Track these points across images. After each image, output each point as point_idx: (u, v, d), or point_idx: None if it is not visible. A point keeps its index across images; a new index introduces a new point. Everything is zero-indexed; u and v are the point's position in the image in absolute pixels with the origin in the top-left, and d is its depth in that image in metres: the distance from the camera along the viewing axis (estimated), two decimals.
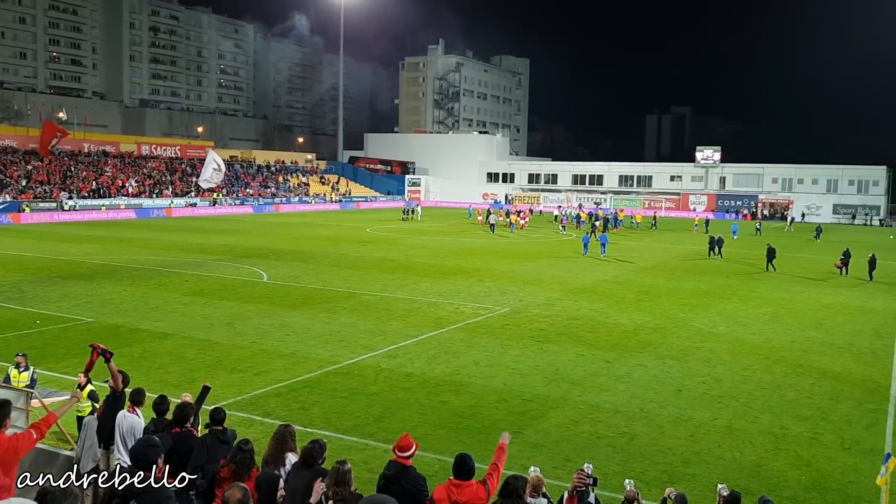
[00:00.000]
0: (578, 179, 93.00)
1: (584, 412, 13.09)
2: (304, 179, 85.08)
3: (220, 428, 7.22)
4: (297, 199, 77.90)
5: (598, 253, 38.20)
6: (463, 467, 5.80)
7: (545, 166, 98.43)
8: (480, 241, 45.69)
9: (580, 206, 79.96)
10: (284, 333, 18.60)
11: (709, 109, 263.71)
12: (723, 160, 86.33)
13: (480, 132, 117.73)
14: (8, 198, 53.42)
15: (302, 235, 45.36)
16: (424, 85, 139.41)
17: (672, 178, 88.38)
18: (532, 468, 6.91)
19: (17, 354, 11.76)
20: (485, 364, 16.17)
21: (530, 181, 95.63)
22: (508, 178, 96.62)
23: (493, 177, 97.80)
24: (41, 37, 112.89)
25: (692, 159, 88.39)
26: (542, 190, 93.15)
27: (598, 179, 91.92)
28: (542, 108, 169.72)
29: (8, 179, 56.46)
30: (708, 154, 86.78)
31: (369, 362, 16.07)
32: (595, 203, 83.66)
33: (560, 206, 76.29)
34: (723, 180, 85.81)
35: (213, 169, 65.11)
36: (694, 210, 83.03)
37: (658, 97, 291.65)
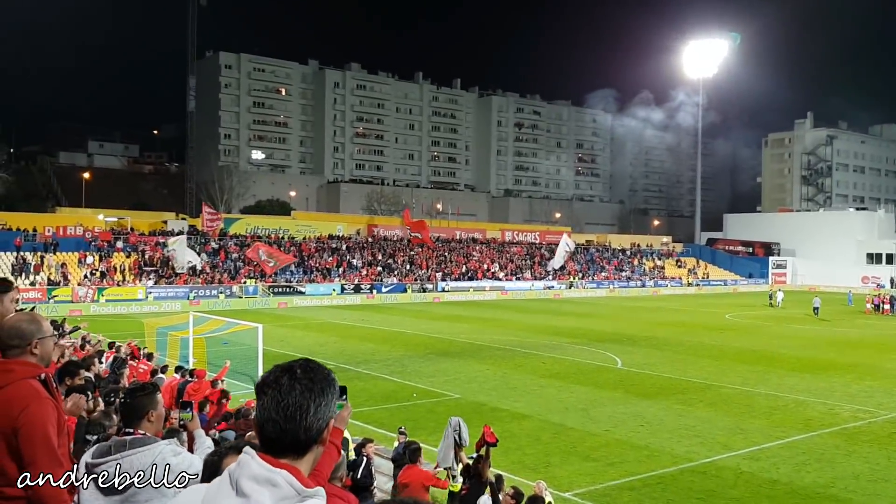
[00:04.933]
0: None
1: None
2: (659, 262, 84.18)
3: None
4: (652, 282, 77.10)
5: None
6: None
7: None
8: (860, 331, 40.51)
9: None
10: (638, 424, 18.30)
11: None
12: None
13: (858, 209, 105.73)
14: (395, 280, 61.16)
15: (656, 321, 44.58)
16: (790, 161, 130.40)
17: None
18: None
19: (399, 428, 13.18)
20: (867, 478, 14.15)
21: None
22: (894, 258, 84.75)
23: (874, 258, 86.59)
24: (425, 140, 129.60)
25: None
26: None
27: None
28: None
29: (395, 264, 64.82)
30: None
31: (728, 462, 15.05)
32: None
33: None
34: None
35: (564, 251, 68.37)
36: None
37: None
